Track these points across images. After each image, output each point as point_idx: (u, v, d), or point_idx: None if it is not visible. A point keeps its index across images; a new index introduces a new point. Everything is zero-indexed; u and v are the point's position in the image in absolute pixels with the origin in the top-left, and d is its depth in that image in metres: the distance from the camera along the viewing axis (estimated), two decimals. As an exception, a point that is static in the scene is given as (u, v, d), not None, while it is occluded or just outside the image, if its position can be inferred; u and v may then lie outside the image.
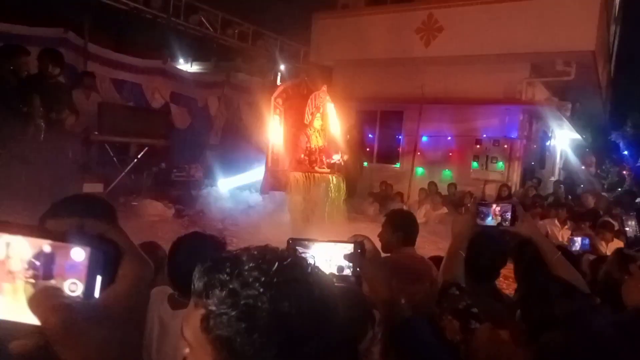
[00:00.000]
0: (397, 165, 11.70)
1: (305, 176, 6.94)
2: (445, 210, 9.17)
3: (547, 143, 13.32)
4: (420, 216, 9.61)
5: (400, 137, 11.73)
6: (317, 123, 7.38)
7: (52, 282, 0.47)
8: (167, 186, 8.32)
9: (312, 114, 7.23)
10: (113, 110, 7.85)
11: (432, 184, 10.22)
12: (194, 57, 14.12)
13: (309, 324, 0.60)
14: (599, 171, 14.55)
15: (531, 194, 9.49)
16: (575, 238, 3.81)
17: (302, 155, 7.15)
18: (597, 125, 17.28)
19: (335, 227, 6.91)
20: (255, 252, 0.65)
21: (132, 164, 8.12)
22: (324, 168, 7.35)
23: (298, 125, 7.25)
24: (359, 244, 1.19)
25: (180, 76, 10.53)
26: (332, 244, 1.18)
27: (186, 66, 13.02)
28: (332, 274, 1.16)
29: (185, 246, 1.93)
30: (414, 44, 10.51)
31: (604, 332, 0.76)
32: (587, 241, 3.80)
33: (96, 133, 7.39)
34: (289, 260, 0.64)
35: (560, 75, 9.84)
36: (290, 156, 7.21)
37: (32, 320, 0.46)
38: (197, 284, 0.62)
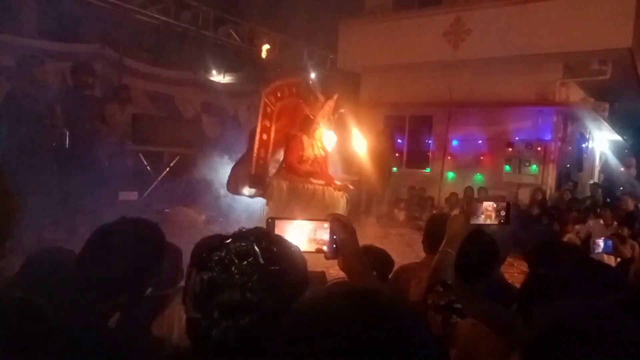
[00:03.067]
0: (427, 170, 11.57)
1: (290, 185, 6.07)
2: (476, 214, 8.98)
3: (584, 145, 12.87)
4: (450, 221, 9.45)
5: (429, 141, 11.61)
6: (317, 134, 6.48)
7: None
8: (199, 194, 8.53)
9: (314, 122, 6.35)
10: (146, 121, 8.14)
11: (468, 188, 10.02)
12: (226, 69, 14.43)
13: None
14: (641, 173, 13.92)
15: (567, 198, 9.20)
16: (597, 240, 3.66)
17: (293, 163, 6.25)
18: (639, 125, 16.55)
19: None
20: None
21: (164, 173, 8.39)
22: (319, 180, 6.41)
23: (292, 130, 6.37)
24: (336, 220, 1.23)
25: (210, 87, 10.82)
26: (311, 222, 1.23)
27: (219, 77, 13.33)
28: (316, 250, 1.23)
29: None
30: (442, 48, 10.41)
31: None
32: (610, 243, 3.64)
33: (130, 143, 7.68)
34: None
35: (595, 75, 9.52)
36: (276, 161, 6.33)
37: None
38: None
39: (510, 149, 10.19)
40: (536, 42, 9.11)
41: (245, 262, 0.78)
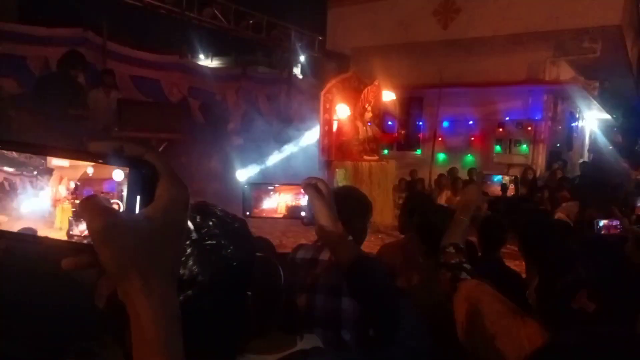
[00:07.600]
0: (418, 152, 11.54)
1: (354, 165, 7.22)
2: (467, 195, 9.02)
3: (574, 124, 12.90)
4: (441, 202, 9.48)
5: (420, 123, 11.56)
6: (367, 115, 7.73)
7: None
8: (187, 179, 8.45)
9: (363, 107, 7.61)
10: (132, 106, 7.98)
11: (453, 169, 10.04)
12: (214, 52, 14.23)
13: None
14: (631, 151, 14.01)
15: (557, 177, 9.23)
16: (601, 220, 3.52)
17: (352, 146, 7.50)
18: (629, 104, 16.62)
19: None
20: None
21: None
22: (374, 157, 7.71)
23: (349, 117, 7.58)
24: (308, 186, 1.18)
25: (197, 70, 10.64)
26: (290, 188, 1.22)
27: (206, 62, 13.16)
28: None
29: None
30: (431, 27, 10.30)
31: None
32: (616, 223, 3.51)
33: (116, 129, 7.55)
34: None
35: (585, 53, 9.48)
36: (339, 147, 7.55)
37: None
38: None
39: (500, 129, 10.18)
40: (526, 21, 9.03)
41: None
